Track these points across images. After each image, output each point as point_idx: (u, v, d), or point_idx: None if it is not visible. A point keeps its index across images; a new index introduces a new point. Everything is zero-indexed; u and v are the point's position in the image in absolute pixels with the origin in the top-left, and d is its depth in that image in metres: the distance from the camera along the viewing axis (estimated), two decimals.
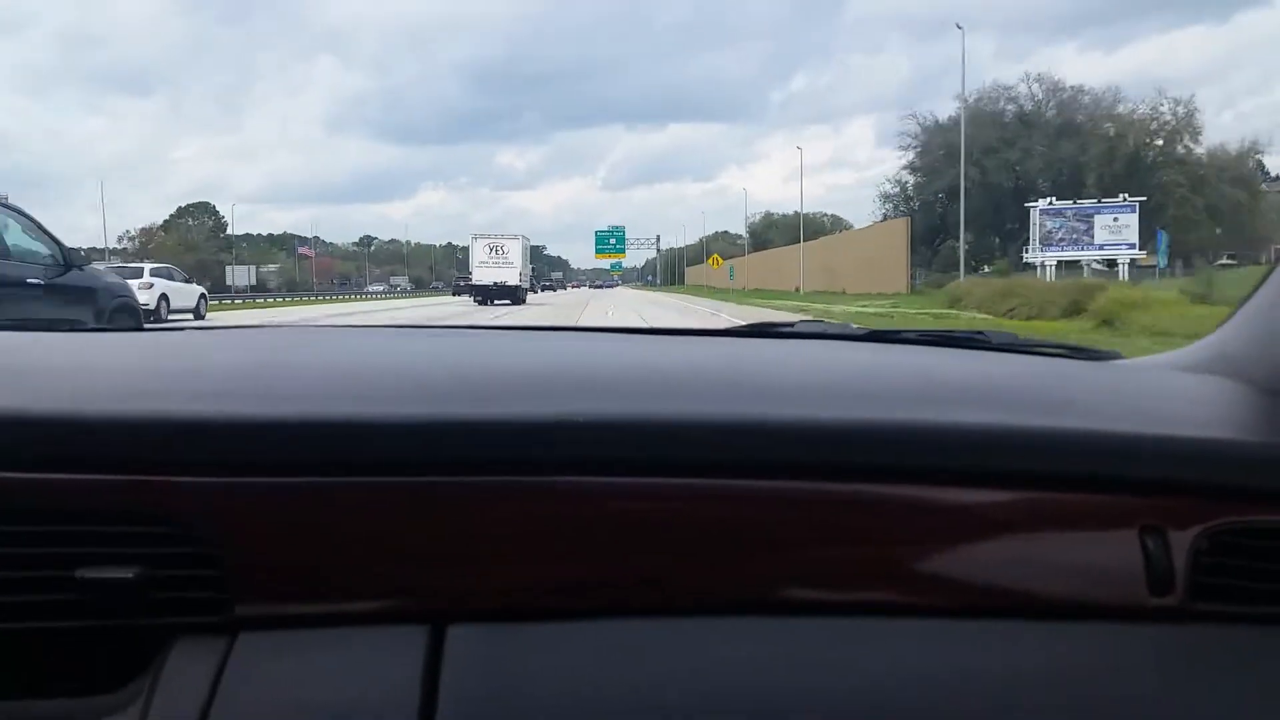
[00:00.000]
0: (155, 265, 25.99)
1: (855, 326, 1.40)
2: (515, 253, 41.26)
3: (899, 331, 1.32)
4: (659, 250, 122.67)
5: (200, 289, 26.92)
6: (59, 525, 0.69)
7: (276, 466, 0.71)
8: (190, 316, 24.12)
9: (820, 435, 0.75)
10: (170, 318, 22.23)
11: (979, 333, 1.30)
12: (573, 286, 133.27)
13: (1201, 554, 0.74)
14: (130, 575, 0.68)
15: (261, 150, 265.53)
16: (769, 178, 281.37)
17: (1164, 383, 1.02)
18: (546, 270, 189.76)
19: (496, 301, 39.61)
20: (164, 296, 23.13)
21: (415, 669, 0.67)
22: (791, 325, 1.37)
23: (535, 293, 72.69)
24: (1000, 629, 0.72)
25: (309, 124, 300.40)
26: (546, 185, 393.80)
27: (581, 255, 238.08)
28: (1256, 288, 0.97)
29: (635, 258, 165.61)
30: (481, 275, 40.86)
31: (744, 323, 1.66)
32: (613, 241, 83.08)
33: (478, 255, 41.25)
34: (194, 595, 0.70)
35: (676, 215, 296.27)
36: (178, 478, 0.70)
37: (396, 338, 1.26)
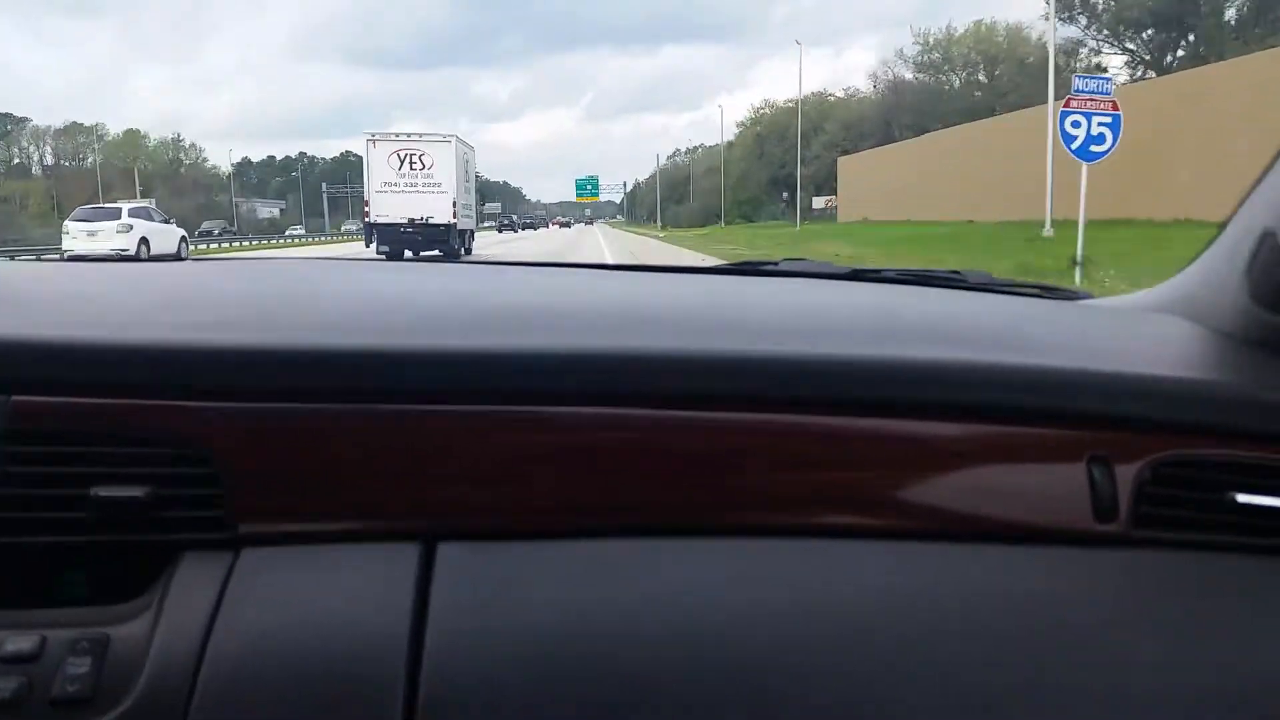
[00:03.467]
0: (134, 205, 25.05)
1: (836, 265, 1.40)
2: (444, 167, 23.90)
3: (880, 270, 1.32)
4: (625, 194, 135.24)
5: (181, 231, 25.31)
6: (73, 446, 0.72)
7: (276, 392, 0.74)
8: None
9: (790, 370, 0.78)
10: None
11: (955, 272, 1.30)
12: (556, 224, 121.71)
13: (1145, 484, 0.77)
14: (140, 494, 0.71)
15: (225, 80, 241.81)
16: (758, 99, 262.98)
17: (1125, 322, 1.06)
18: (524, 209, 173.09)
19: (418, 254, 23.35)
20: (144, 240, 21.99)
21: (408, 582, 0.70)
22: (774, 264, 1.38)
23: (515, 231, 67.68)
24: (955, 551, 0.76)
25: (277, 49, 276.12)
26: (529, 116, 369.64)
27: (558, 193, 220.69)
28: (1220, 230, 0.96)
29: (610, 196, 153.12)
30: (386, 207, 23.64)
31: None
32: (589, 188, 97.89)
33: (379, 173, 23.86)
34: (200, 514, 0.72)
35: (660, 148, 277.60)
36: (184, 402, 0.73)
37: (392, 271, 1.36)
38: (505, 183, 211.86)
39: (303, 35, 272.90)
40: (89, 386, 0.73)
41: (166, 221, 24.92)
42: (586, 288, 1.19)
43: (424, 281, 1.20)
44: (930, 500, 0.77)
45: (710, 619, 0.70)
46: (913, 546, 0.76)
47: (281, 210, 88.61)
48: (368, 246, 23.98)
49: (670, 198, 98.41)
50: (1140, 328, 1.02)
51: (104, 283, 1.08)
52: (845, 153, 59.45)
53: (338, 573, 0.71)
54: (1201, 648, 0.72)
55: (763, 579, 0.73)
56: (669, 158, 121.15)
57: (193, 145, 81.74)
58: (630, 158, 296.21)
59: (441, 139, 24.56)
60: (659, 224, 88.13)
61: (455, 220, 24.17)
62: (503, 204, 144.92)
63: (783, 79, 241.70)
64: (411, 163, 24.15)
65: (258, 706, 0.66)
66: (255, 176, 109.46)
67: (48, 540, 0.72)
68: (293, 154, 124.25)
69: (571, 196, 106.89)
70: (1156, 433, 0.78)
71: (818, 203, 66.71)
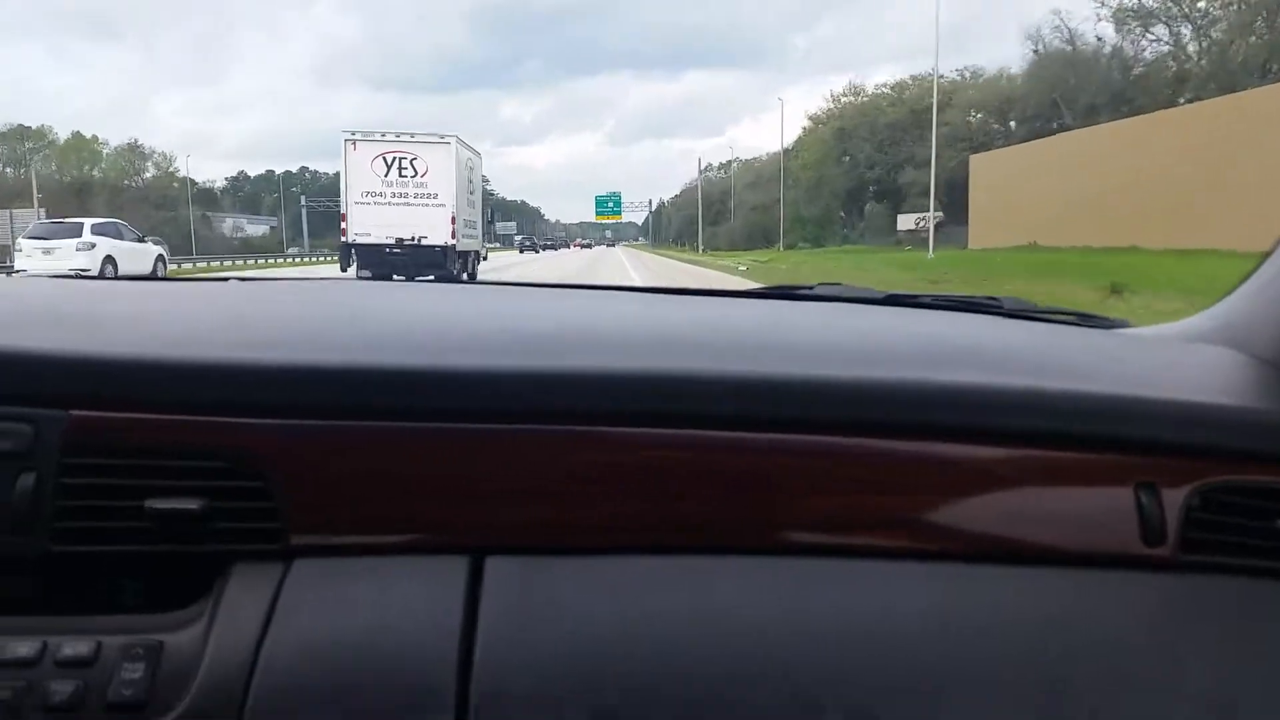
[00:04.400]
0: (99, 221, 22.45)
1: (874, 290, 1.38)
2: (442, 174, 19.13)
3: (916, 296, 1.32)
4: (650, 213, 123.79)
5: (158, 249, 23.44)
6: (130, 459, 0.74)
7: (330, 410, 0.76)
8: None
9: (837, 393, 0.79)
10: None
11: (993, 298, 1.30)
12: (578, 245, 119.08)
13: (1193, 509, 0.78)
14: (195, 507, 0.73)
15: (247, 103, 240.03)
16: (784, 126, 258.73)
17: (1165, 350, 1.06)
18: (543, 229, 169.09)
19: (411, 277, 18.48)
20: (109, 259, 19.99)
21: (457, 595, 0.72)
22: (811, 288, 1.38)
23: (536, 252, 63.62)
24: (1000, 573, 0.77)
25: (299, 74, 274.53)
26: (551, 140, 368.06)
27: (578, 214, 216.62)
28: (1262, 261, 0.98)
29: (631, 217, 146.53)
30: (367, 223, 18.90)
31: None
32: (610, 205, 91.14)
33: (360, 181, 19.10)
34: (253, 526, 0.74)
35: (682, 172, 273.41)
36: (240, 419, 0.75)
37: (434, 293, 1.38)
38: (524, 202, 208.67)
39: (326, 60, 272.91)
40: (146, 402, 0.75)
41: (141, 239, 22.70)
42: (626, 311, 1.19)
43: (467, 303, 1.22)
44: (976, 524, 0.78)
45: (756, 637, 0.71)
46: (959, 569, 0.76)
47: (271, 228, 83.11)
48: (344, 271, 19.29)
49: (704, 217, 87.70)
50: (1182, 356, 1.01)
51: (158, 301, 1.11)
52: (980, 149, 44.87)
53: (388, 585, 0.72)
54: (1249, 672, 0.73)
55: (809, 598, 0.74)
56: (702, 171, 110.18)
57: (163, 155, 75.88)
58: (651, 179, 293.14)
59: (439, 140, 19.69)
60: (699, 246, 74.85)
61: (454, 240, 19.33)
62: (520, 224, 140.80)
63: (810, 97, 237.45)
64: (401, 168, 19.31)
65: (309, 714, 0.68)
66: (250, 190, 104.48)
67: (106, 550, 0.74)
68: (294, 168, 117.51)
69: (591, 218, 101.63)
70: (1204, 459, 0.79)
71: (904, 222, 54.23)
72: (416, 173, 19.33)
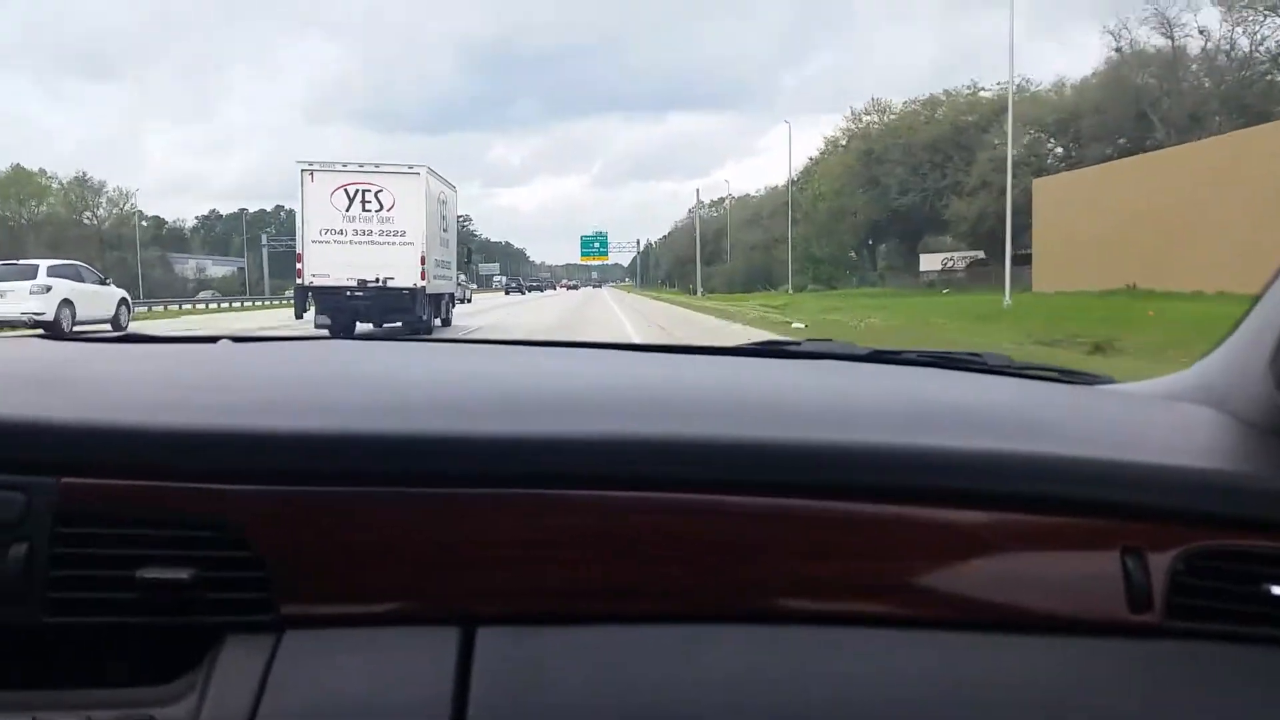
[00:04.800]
0: (56, 262, 20.68)
1: (857, 346, 1.41)
2: (411, 209, 17.05)
3: (899, 352, 1.35)
4: (639, 253, 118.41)
5: (121, 293, 22.21)
6: (120, 528, 0.74)
7: (316, 476, 0.76)
8: (107, 328, 17.46)
9: (820, 457, 0.80)
10: (79, 329, 15.55)
11: (975, 354, 1.31)
12: (564, 287, 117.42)
13: (1179, 574, 0.77)
14: (185, 576, 0.72)
15: (237, 141, 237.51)
16: (769, 172, 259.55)
17: (1147, 410, 1.06)
18: (528, 270, 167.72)
19: (377, 323, 17.08)
20: (67, 303, 18.87)
21: (448, 667, 0.72)
22: (798, 344, 1.43)
23: (523, 294, 61.29)
24: (987, 641, 0.76)
25: (289, 112, 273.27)
26: (539, 182, 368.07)
27: (564, 255, 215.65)
28: (1240, 320, 0.99)
29: (617, 258, 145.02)
30: (326, 264, 16.73)
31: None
32: (596, 245, 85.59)
33: (318, 217, 16.94)
34: (244, 596, 0.74)
35: (667, 214, 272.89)
36: (223, 485, 0.75)
37: (424, 353, 1.37)
38: (508, 243, 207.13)
39: (315, 99, 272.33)
40: (132, 469, 0.75)
41: (104, 282, 21.65)
42: (614, 371, 1.20)
43: (450, 363, 1.23)
44: (961, 589, 0.78)
45: (745, 705, 0.71)
46: (944, 636, 0.76)
47: (240, 269, 79.86)
48: (299, 318, 17.08)
49: (693, 257, 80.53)
50: (1164, 415, 1.02)
51: (145, 364, 1.12)
52: (1040, 173, 37.05)
53: (379, 656, 0.72)
54: None
55: (796, 666, 0.74)
56: (690, 211, 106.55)
57: (118, 190, 69.21)
58: (637, 221, 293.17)
59: (407, 171, 17.58)
60: (696, 289, 64.98)
61: (424, 282, 17.16)
62: (504, 265, 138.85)
63: (794, 145, 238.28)
64: (365, 202, 17.16)
65: None
66: (223, 230, 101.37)
67: (94, 621, 0.73)
68: (269, 207, 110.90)
69: (577, 259, 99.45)
70: (1189, 523, 0.79)
71: (930, 262, 50.01)
72: (382, 206, 17.19)
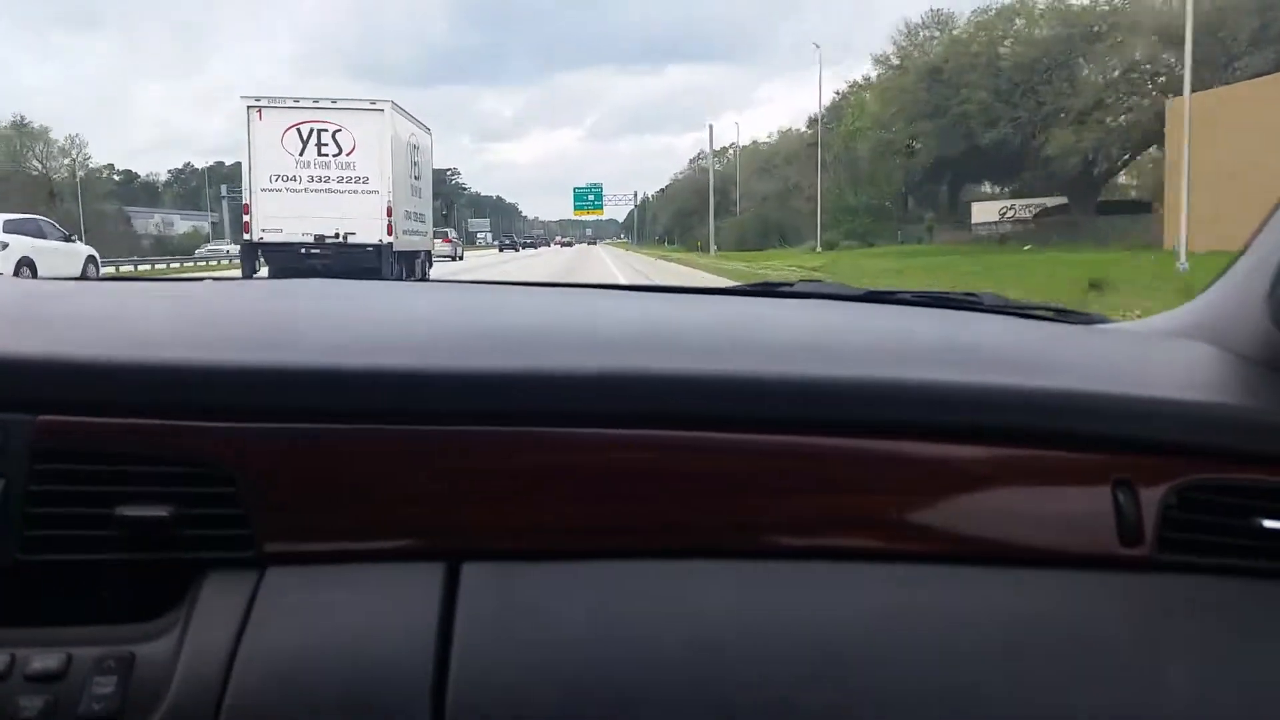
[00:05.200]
0: (15, 217, 18.83)
1: (852, 286, 1.39)
2: (374, 151, 14.70)
3: (894, 292, 1.32)
4: (635, 207, 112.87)
5: (89, 250, 20.71)
6: (99, 465, 0.73)
7: (300, 413, 0.74)
8: None
9: (812, 392, 0.79)
10: None
11: (971, 294, 1.29)
12: (558, 243, 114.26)
13: (1170, 508, 0.77)
14: (165, 514, 0.72)
15: (223, 96, 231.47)
16: (770, 122, 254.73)
17: (1143, 346, 1.04)
18: (521, 227, 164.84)
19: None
20: (27, 261, 17.25)
21: (433, 602, 0.71)
22: (791, 285, 1.39)
23: (516, 251, 61.73)
24: (979, 575, 0.76)
25: (278, 64, 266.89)
26: (532, 136, 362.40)
27: (558, 211, 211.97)
28: (1237, 256, 0.98)
29: (613, 213, 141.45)
30: (276, 216, 14.47)
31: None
32: (590, 198, 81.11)
33: (267, 162, 14.56)
34: (225, 533, 0.73)
35: (664, 168, 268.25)
36: (208, 423, 0.73)
37: (410, 290, 1.35)
38: (500, 198, 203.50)
39: (305, 52, 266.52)
40: (113, 406, 0.73)
41: (68, 238, 20.04)
42: (604, 309, 1.18)
43: (441, 301, 1.21)
44: (952, 523, 0.78)
45: (733, 640, 0.71)
46: (936, 570, 0.76)
47: (213, 224, 75.74)
48: (248, 279, 14.73)
49: (697, 209, 74.26)
50: (1159, 352, 1.01)
51: (124, 301, 1.10)
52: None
53: (363, 592, 0.72)
54: (1227, 671, 0.73)
55: (785, 601, 0.74)
56: (692, 161, 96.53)
57: (69, 138, 64.64)
58: (633, 176, 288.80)
59: (369, 107, 15.15)
60: (710, 245, 55.06)
61: (390, 237, 14.84)
62: (496, 221, 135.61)
63: (795, 96, 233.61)
64: (321, 144, 14.75)
65: None
66: (197, 184, 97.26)
67: (75, 558, 0.73)
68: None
69: (570, 215, 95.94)
70: (1180, 457, 0.79)
71: (982, 212, 42.07)
72: (341, 150, 14.82)
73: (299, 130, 14.77)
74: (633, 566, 0.75)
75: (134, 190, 74.59)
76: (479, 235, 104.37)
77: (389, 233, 14.81)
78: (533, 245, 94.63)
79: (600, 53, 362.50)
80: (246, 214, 14.87)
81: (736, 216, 63.55)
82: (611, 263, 38.59)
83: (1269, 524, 0.77)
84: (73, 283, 1.25)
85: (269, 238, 14.66)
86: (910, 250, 36.69)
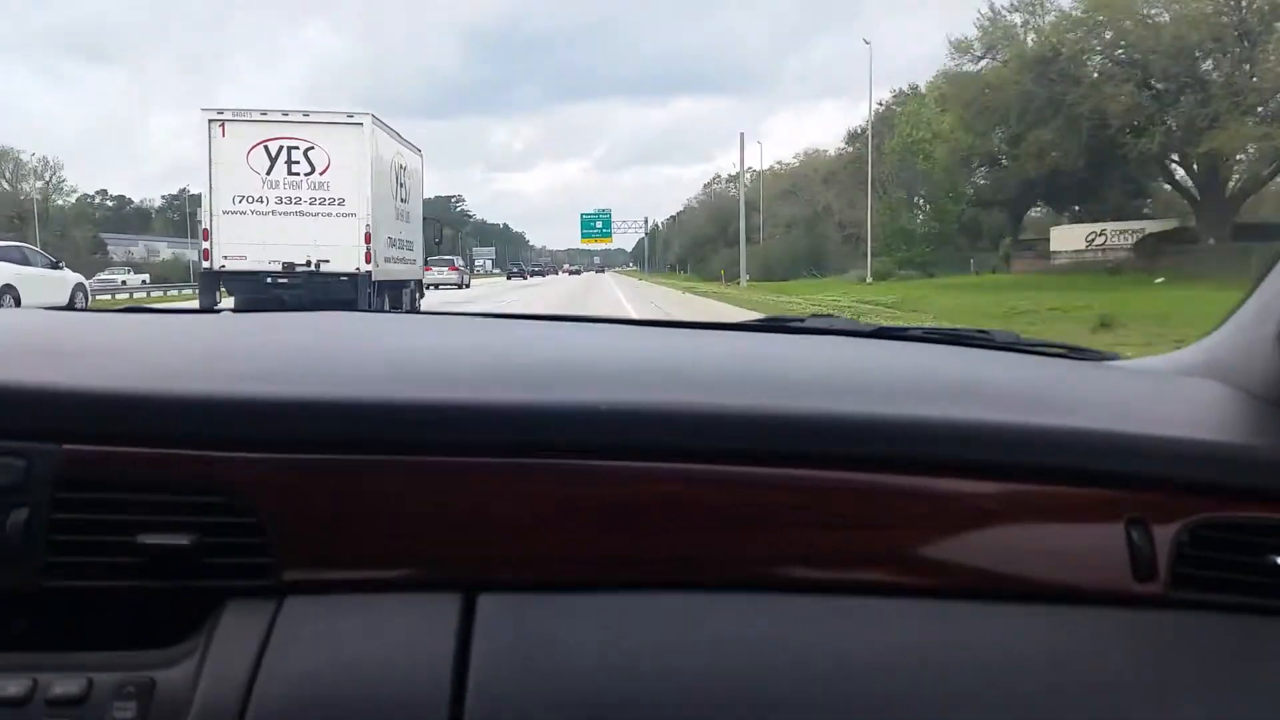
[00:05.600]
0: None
1: (863, 323, 1.39)
2: (351, 170, 13.05)
3: (905, 328, 1.34)
4: (645, 234, 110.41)
5: (77, 278, 19.95)
6: (122, 494, 0.74)
7: (321, 443, 0.76)
8: None
9: (825, 427, 0.79)
10: None
11: (983, 331, 1.30)
12: (566, 271, 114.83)
13: (1183, 545, 0.78)
14: (186, 542, 0.73)
15: None
16: (772, 153, 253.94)
17: (1154, 385, 1.06)
18: (528, 255, 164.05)
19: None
20: (8, 289, 16.72)
21: (449, 633, 0.72)
22: (802, 320, 1.41)
23: (525, 279, 60.50)
24: (992, 611, 0.77)
25: (288, 95, 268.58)
26: (540, 166, 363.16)
27: (565, 240, 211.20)
28: (1247, 296, 0.99)
29: (621, 242, 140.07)
30: (239, 242, 12.89)
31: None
32: (599, 225, 78.65)
33: (230, 181, 12.93)
34: (244, 561, 0.74)
35: (670, 198, 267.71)
36: (229, 453, 0.75)
37: (429, 325, 1.36)
38: (506, 226, 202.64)
39: (315, 83, 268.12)
40: (137, 436, 0.75)
41: (55, 265, 19.34)
42: (619, 343, 1.19)
43: (457, 335, 1.22)
44: (966, 559, 0.78)
45: (747, 673, 0.71)
46: (950, 606, 0.77)
47: (202, 251, 74.67)
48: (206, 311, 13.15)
49: (712, 237, 69.27)
50: (1171, 390, 1.02)
51: (147, 332, 1.12)
52: None
53: (380, 622, 0.73)
54: (1240, 709, 0.73)
55: (799, 635, 0.74)
56: (706, 185, 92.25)
57: (41, 161, 61.66)
58: (638, 206, 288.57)
59: (346, 121, 13.55)
60: (741, 276, 46.04)
61: (368, 265, 13.21)
62: (503, 250, 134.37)
63: (800, 130, 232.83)
64: (291, 162, 13.17)
65: None
66: (191, 209, 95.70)
67: (95, 585, 0.74)
68: None
69: (578, 244, 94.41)
70: (1193, 494, 0.79)
71: (1063, 239, 34.36)
72: (314, 168, 13.22)
73: (266, 147, 13.20)
74: (648, 599, 0.75)
75: (126, 216, 72.98)
76: (478, 263, 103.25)
77: (367, 260, 13.19)
78: (540, 273, 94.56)
79: (608, 85, 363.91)
80: (206, 240, 13.26)
81: (759, 244, 57.00)
82: (623, 295, 32.94)
83: None
84: (94, 314, 1.31)
85: (231, 265, 13.09)
86: (992, 282, 29.93)
